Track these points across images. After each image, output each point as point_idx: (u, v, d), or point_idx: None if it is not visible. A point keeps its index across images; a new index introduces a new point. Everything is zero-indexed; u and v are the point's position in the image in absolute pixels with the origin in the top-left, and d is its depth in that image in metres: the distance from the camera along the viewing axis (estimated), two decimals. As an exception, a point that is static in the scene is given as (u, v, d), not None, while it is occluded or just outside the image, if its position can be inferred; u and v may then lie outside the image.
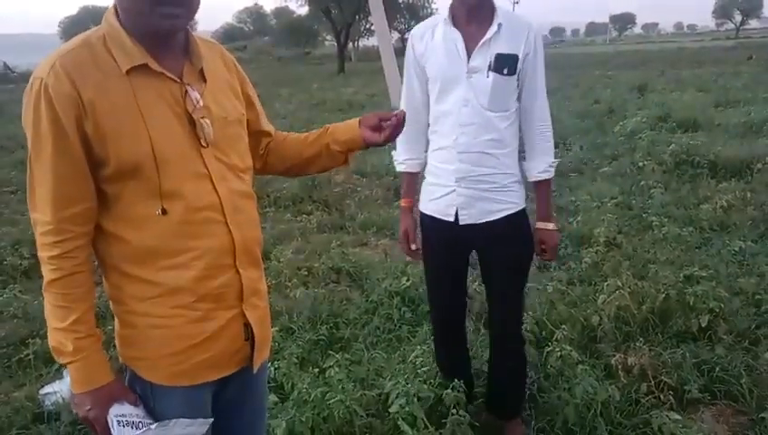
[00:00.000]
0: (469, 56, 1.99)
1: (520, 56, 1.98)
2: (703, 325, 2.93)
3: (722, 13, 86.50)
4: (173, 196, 1.20)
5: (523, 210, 2.15)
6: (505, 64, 1.97)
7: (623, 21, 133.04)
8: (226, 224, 1.27)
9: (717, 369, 2.68)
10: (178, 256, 1.23)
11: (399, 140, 2.22)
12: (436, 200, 2.15)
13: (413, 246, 2.28)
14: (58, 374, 3.00)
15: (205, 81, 1.28)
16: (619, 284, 3.25)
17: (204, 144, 1.24)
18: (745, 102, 10.27)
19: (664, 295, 3.12)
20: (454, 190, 2.08)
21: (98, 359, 1.23)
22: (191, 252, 1.23)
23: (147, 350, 1.27)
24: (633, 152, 6.93)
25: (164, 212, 1.20)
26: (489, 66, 1.97)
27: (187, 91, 1.23)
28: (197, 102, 1.23)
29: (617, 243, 4.21)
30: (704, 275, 3.33)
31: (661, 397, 2.51)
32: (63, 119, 1.12)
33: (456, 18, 2.02)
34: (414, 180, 2.30)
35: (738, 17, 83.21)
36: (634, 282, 3.32)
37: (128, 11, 1.18)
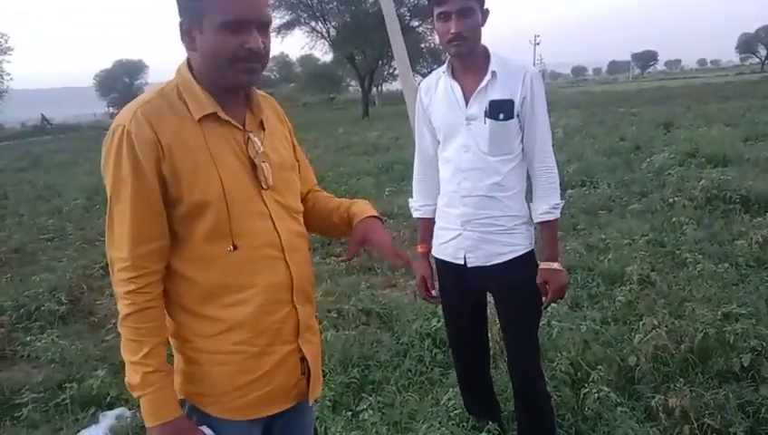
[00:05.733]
0: (468, 104, 2.05)
1: (516, 100, 2.01)
2: (745, 365, 2.84)
3: (746, 48, 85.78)
4: (239, 234, 1.29)
5: (531, 252, 2.14)
6: (500, 110, 2.01)
7: (645, 58, 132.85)
8: (285, 260, 1.35)
9: (763, 410, 2.58)
10: (241, 292, 1.30)
11: (415, 187, 2.32)
12: (446, 244, 2.19)
13: (433, 292, 2.30)
14: (94, 419, 3.04)
15: (264, 129, 1.39)
16: (656, 322, 3.18)
17: (264, 186, 1.33)
18: (775, 136, 10.11)
19: (702, 334, 3.03)
20: (460, 234, 2.12)
21: (166, 394, 1.26)
22: (253, 288, 1.31)
23: (210, 386, 1.32)
24: (662, 188, 6.85)
25: (235, 248, 1.28)
26: (485, 113, 2.02)
27: (249, 137, 1.33)
28: (259, 148, 1.33)
29: (650, 281, 4.14)
30: (743, 312, 3.24)
31: (705, 440, 2.43)
32: (144, 161, 1.21)
33: (454, 70, 2.10)
34: (429, 226, 2.32)
35: (763, 51, 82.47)
36: (671, 320, 3.25)
37: (207, 67, 1.27)
